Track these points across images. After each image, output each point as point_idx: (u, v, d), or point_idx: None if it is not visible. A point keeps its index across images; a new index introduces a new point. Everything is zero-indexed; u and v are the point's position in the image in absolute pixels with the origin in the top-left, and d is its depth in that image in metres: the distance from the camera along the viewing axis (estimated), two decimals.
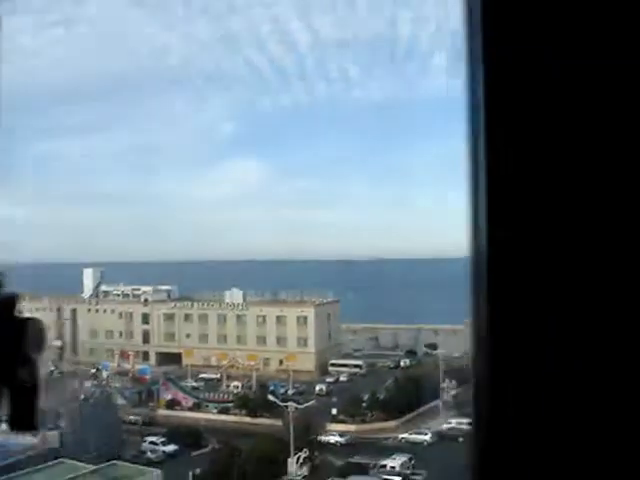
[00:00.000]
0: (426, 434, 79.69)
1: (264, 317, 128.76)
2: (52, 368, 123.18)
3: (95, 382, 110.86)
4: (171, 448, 76.26)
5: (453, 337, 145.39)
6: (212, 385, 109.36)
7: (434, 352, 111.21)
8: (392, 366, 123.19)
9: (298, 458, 62.99)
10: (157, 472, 55.90)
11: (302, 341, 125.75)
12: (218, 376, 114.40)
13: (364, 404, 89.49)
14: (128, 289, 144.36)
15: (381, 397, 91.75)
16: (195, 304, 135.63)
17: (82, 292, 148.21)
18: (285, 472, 62.73)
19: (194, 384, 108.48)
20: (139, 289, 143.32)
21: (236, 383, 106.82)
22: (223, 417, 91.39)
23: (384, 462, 67.15)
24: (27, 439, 71.76)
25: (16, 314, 2.65)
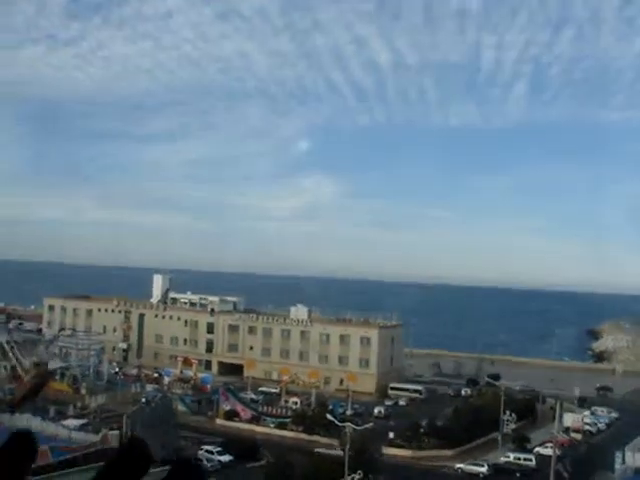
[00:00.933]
0: (482, 466, 78.43)
1: (327, 335, 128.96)
2: (116, 369, 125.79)
3: (157, 386, 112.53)
4: (226, 458, 76.78)
5: (515, 369, 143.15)
6: (271, 399, 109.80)
7: (496, 383, 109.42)
8: (453, 394, 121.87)
9: (352, 479, 62.53)
10: None
11: (364, 362, 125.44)
12: (278, 390, 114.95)
13: (422, 430, 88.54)
14: (195, 298, 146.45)
15: (440, 424, 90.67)
16: (260, 317, 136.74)
17: (151, 297, 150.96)
18: None
19: (253, 396, 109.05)
20: (206, 298, 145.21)
21: (295, 399, 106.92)
22: (280, 432, 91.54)
23: None
24: (90, 436, 73.23)
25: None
